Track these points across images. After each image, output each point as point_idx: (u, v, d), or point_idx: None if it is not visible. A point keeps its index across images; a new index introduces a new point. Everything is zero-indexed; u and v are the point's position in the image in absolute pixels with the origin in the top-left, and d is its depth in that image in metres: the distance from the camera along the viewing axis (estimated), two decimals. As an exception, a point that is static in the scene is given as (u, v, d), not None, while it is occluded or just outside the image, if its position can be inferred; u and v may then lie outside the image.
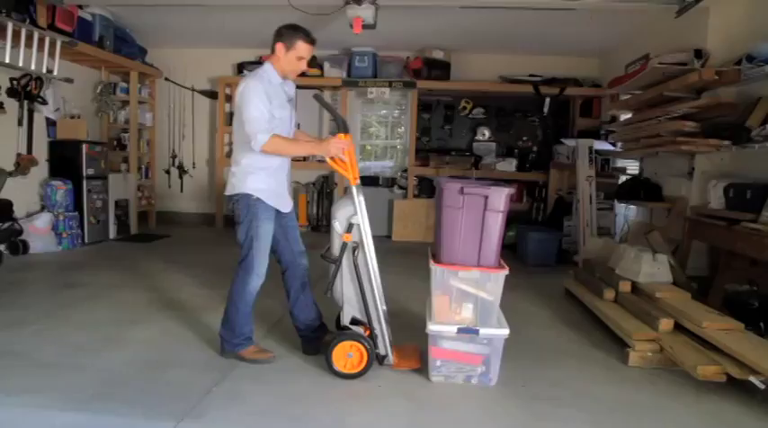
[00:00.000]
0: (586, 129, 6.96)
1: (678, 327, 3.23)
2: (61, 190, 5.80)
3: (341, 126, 2.80)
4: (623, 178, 6.00)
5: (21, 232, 5.37)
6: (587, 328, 3.79)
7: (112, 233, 6.57)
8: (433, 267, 2.75)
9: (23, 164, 5.62)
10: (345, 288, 2.86)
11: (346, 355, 2.79)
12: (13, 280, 4.52)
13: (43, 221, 5.58)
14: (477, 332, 2.69)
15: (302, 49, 2.81)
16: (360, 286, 2.80)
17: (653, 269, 3.75)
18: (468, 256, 2.71)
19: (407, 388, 2.74)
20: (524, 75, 7.16)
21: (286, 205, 2.98)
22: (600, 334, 3.63)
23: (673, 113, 4.51)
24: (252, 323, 2.99)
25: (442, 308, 2.79)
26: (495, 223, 2.68)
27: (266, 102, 2.71)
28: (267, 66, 2.84)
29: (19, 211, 5.59)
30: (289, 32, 2.81)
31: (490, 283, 2.75)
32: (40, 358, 2.94)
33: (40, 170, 5.92)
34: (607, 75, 6.72)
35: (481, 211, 2.66)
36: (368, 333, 2.85)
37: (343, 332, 2.88)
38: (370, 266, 2.80)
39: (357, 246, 2.77)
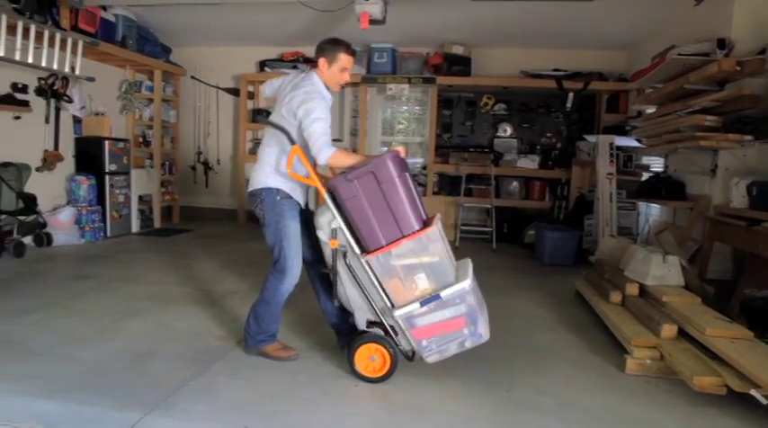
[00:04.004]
0: (612, 125, 6.70)
1: (683, 334, 3.05)
2: (84, 184, 5.99)
3: (291, 140, 2.71)
4: (646, 176, 5.73)
5: (44, 225, 5.57)
6: (591, 333, 3.62)
7: (135, 227, 6.75)
8: (366, 259, 2.61)
9: (49, 160, 5.84)
10: (349, 293, 2.76)
11: (369, 358, 2.74)
12: (32, 270, 4.69)
13: (66, 215, 5.78)
14: (438, 297, 2.57)
15: (344, 60, 2.85)
16: (361, 287, 2.71)
17: (662, 271, 3.55)
18: (390, 233, 2.58)
19: (385, 390, 2.68)
20: (548, 70, 6.94)
21: (303, 200, 2.97)
22: (602, 339, 3.46)
23: (693, 107, 4.26)
24: (279, 321, 2.98)
25: (398, 291, 2.65)
26: (395, 191, 2.55)
27: (328, 119, 2.75)
28: (317, 80, 2.85)
29: (46, 205, 5.81)
30: (329, 46, 2.85)
31: (427, 244, 2.59)
32: (32, 346, 3.02)
33: (67, 165, 6.12)
34: (634, 68, 6.42)
35: (377, 188, 2.55)
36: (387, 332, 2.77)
37: (364, 333, 2.80)
38: (366, 265, 2.68)
39: (345, 250, 2.69)
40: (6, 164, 5.11)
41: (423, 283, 2.60)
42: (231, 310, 3.79)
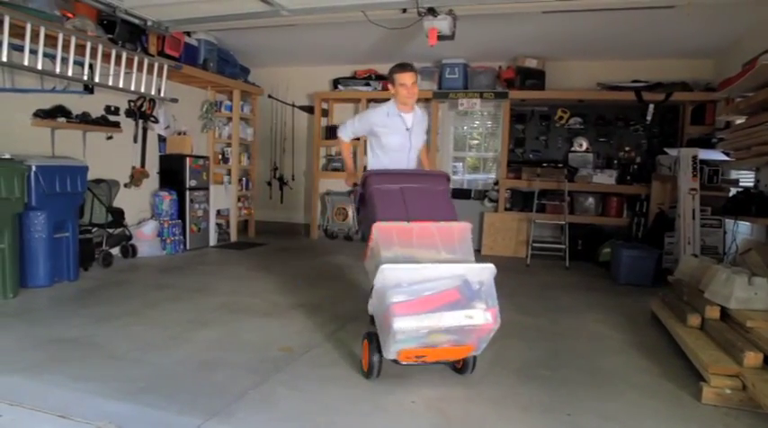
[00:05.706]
0: (698, 137, 6.31)
1: (771, 363, 2.79)
2: (167, 199, 6.38)
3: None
4: (734, 191, 5.33)
5: (130, 237, 5.98)
6: (664, 357, 3.38)
7: (213, 240, 7.09)
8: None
9: (137, 177, 6.28)
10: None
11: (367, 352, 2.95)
12: (117, 279, 5.04)
13: (150, 228, 6.17)
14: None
15: (398, 77, 3.45)
16: None
17: (748, 294, 3.27)
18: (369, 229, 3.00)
19: (441, 407, 2.63)
20: (626, 82, 6.67)
21: None
22: (677, 365, 3.23)
23: (786, 117, 3.93)
24: None
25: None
26: (372, 198, 3.08)
27: (361, 125, 3.65)
28: (389, 103, 3.55)
29: (132, 219, 6.23)
30: (389, 71, 3.54)
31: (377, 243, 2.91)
32: (112, 350, 3.23)
33: (151, 182, 6.56)
34: (723, 76, 6.02)
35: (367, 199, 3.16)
36: None
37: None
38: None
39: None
40: (98, 181, 5.54)
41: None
42: (297, 323, 3.88)
